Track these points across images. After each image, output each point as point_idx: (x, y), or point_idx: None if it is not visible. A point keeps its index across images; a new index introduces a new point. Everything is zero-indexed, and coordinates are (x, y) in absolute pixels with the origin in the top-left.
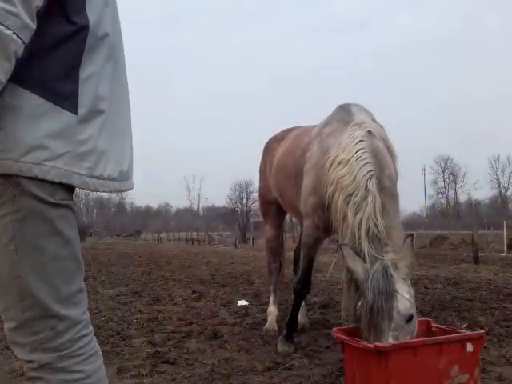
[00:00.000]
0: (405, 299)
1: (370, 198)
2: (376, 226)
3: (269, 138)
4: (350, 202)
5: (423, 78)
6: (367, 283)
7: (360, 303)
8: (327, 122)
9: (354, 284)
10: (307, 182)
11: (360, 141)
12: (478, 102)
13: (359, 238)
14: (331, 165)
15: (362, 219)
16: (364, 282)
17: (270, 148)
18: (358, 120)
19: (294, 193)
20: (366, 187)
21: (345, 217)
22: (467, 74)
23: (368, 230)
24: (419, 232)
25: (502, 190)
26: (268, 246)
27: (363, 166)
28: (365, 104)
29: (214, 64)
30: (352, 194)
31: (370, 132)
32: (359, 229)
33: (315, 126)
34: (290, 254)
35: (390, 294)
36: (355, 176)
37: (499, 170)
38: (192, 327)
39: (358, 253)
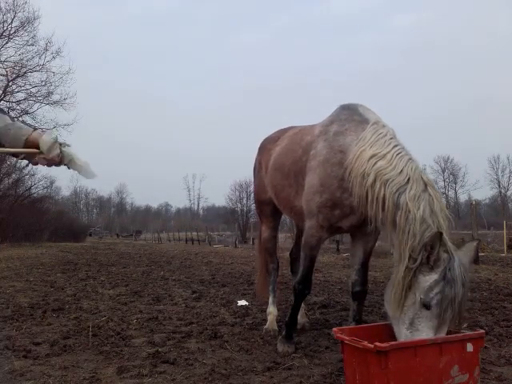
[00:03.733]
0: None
1: (431, 190)
2: (447, 217)
3: (263, 139)
4: (403, 192)
5: (423, 78)
6: (454, 273)
7: (437, 291)
8: (332, 121)
9: (414, 274)
10: (313, 180)
11: (391, 138)
12: (477, 102)
13: (436, 225)
14: (356, 159)
15: (434, 209)
16: (450, 270)
17: (265, 148)
18: (374, 119)
19: (292, 192)
20: (422, 179)
21: (396, 209)
22: (467, 73)
23: (444, 219)
24: None
25: (502, 190)
26: (264, 247)
27: (408, 160)
28: (364, 103)
29: (214, 63)
30: (404, 185)
31: (392, 130)
32: (433, 216)
33: (313, 125)
34: (286, 254)
35: (468, 289)
36: (402, 169)
37: (499, 170)
38: (192, 327)
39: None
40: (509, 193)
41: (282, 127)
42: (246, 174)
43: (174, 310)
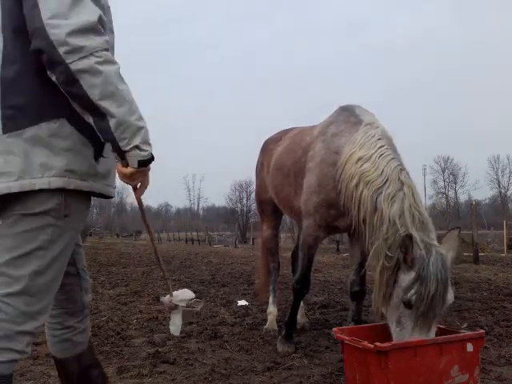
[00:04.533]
0: (451, 289)
1: (406, 189)
2: (421, 214)
3: (266, 139)
4: (381, 193)
5: (423, 79)
6: (428, 270)
7: (414, 290)
8: (330, 122)
9: (392, 272)
10: (310, 180)
11: (379, 139)
12: (478, 102)
13: (404, 227)
14: (346, 162)
15: (404, 208)
16: (424, 268)
17: (267, 148)
18: (368, 120)
19: (292, 192)
20: (399, 179)
21: (375, 210)
22: (466, 73)
23: (413, 218)
24: None
25: (502, 190)
26: (265, 247)
27: (389, 160)
28: (364, 104)
29: (214, 63)
30: (382, 186)
31: (383, 131)
32: (402, 218)
33: (313, 126)
34: (287, 254)
35: (447, 283)
36: (382, 170)
37: (499, 170)
38: (192, 327)
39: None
40: (509, 193)
41: (284, 128)
42: (246, 174)
43: None
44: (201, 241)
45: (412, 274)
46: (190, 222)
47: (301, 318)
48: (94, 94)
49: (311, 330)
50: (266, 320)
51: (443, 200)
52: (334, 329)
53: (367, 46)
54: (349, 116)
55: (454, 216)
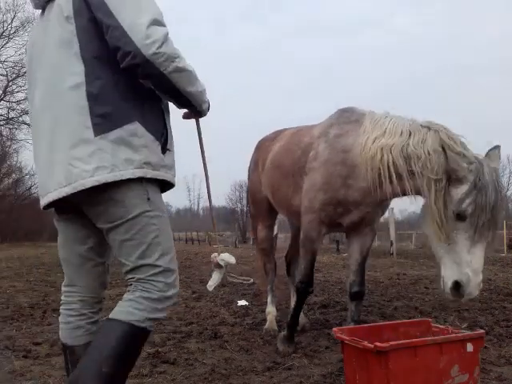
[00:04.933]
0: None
1: (436, 127)
2: (457, 142)
3: (261, 138)
4: (407, 145)
5: (423, 78)
6: (485, 180)
7: (470, 200)
8: (332, 124)
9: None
10: (315, 178)
11: (386, 117)
12: (477, 102)
13: (450, 149)
14: (364, 148)
15: (439, 139)
16: (481, 178)
17: (262, 146)
18: (369, 113)
19: (290, 191)
20: (422, 126)
21: (407, 159)
22: (465, 73)
23: (454, 141)
24: (419, 232)
25: (502, 190)
26: (260, 247)
27: (405, 122)
28: (364, 104)
29: (213, 62)
30: (407, 140)
31: (386, 112)
32: (446, 140)
33: (311, 126)
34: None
35: (504, 192)
36: (401, 131)
37: (499, 170)
38: (192, 327)
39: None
40: (509, 193)
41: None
42: (246, 174)
43: (174, 309)
44: (201, 241)
45: (465, 187)
46: (190, 222)
47: (301, 319)
48: (181, 86)
49: (311, 329)
50: (265, 320)
51: None
52: (334, 329)
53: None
54: (349, 117)
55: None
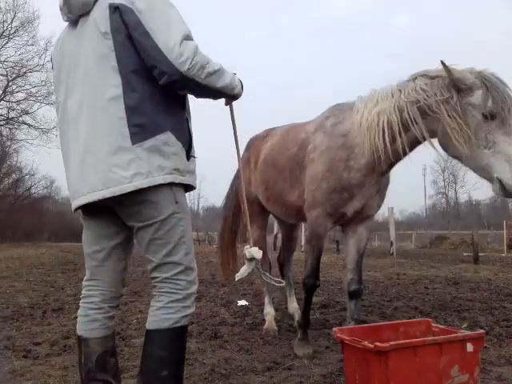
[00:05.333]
0: None
1: (419, 77)
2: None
3: (251, 137)
4: (398, 99)
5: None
6: (492, 80)
7: (491, 98)
8: (327, 117)
9: (457, 106)
10: (316, 169)
11: (373, 92)
12: None
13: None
14: (359, 124)
15: (429, 76)
16: (486, 80)
17: (253, 145)
18: (359, 97)
19: (287, 186)
20: (408, 81)
21: (401, 111)
22: None
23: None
24: (419, 232)
25: None
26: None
27: (391, 87)
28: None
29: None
30: (400, 93)
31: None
32: (435, 73)
33: (304, 123)
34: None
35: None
36: (391, 94)
37: None
38: (192, 327)
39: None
40: None
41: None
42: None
43: None
44: (201, 241)
45: (479, 91)
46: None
47: (294, 310)
48: (213, 85)
49: (311, 329)
50: (265, 320)
51: (443, 200)
52: (334, 329)
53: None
54: (343, 107)
55: (454, 216)
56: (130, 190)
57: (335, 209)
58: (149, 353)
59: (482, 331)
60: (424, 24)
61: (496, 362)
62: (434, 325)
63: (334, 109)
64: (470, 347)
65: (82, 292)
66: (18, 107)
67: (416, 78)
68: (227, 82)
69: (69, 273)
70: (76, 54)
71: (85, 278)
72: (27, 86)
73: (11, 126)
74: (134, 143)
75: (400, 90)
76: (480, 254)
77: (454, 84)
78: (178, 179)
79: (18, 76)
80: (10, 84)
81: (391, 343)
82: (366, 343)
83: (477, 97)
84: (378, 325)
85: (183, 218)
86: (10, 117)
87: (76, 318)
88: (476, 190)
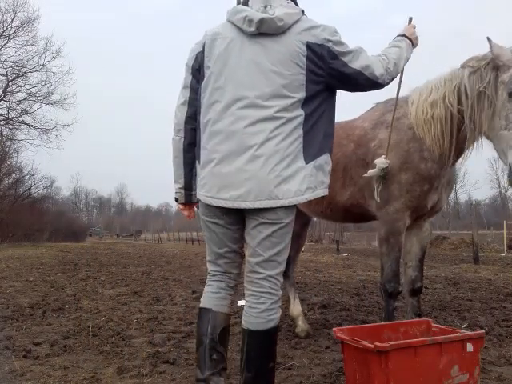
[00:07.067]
0: None
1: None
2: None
3: None
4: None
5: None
6: None
7: None
8: (383, 113)
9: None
10: (390, 163)
11: (427, 81)
12: None
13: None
14: (416, 114)
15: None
16: None
17: None
18: (412, 90)
19: (337, 186)
20: (457, 74)
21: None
22: None
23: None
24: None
25: (502, 190)
26: None
27: (439, 77)
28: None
29: None
30: (452, 82)
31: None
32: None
33: (352, 121)
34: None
35: None
36: (444, 81)
37: (499, 170)
38: (192, 327)
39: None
40: (509, 193)
41: None
42: None
43: (174, 310)
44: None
45: (511, 70)
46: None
47: (304, 324)
48: (401, 69)
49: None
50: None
51: None
52: (334, 329)
53: None
54: (393, 102)
55: (454, 216)
56: (302, 202)
57: (418, 201)
58: (256, 350)
59: (482, 331)
60: (424, 24)
61: (496, 362)
62: (434, 325)
63: (387, 103)
64: (470, 347)
65: (212, 270)
66: (17, 107)
67: (465, 66)
68: (403, 60)
69: (69, 273)
70: (249, 60)
71: (210, 265)
72: (27, 86)
73: (11, 126)
74: (307, 162)
75: (451, 80)
76: (480, 254)
77: (493, 60)
78: (326, 192)
79: (18, 76)
80: (10, 84)
81: (391, 343)
82: (366, 343)
83: (509, 74)
84: (378, 325)
85: (292, 227)
86: (10, 117)
87: (76, 318)
88: (476, 190)
